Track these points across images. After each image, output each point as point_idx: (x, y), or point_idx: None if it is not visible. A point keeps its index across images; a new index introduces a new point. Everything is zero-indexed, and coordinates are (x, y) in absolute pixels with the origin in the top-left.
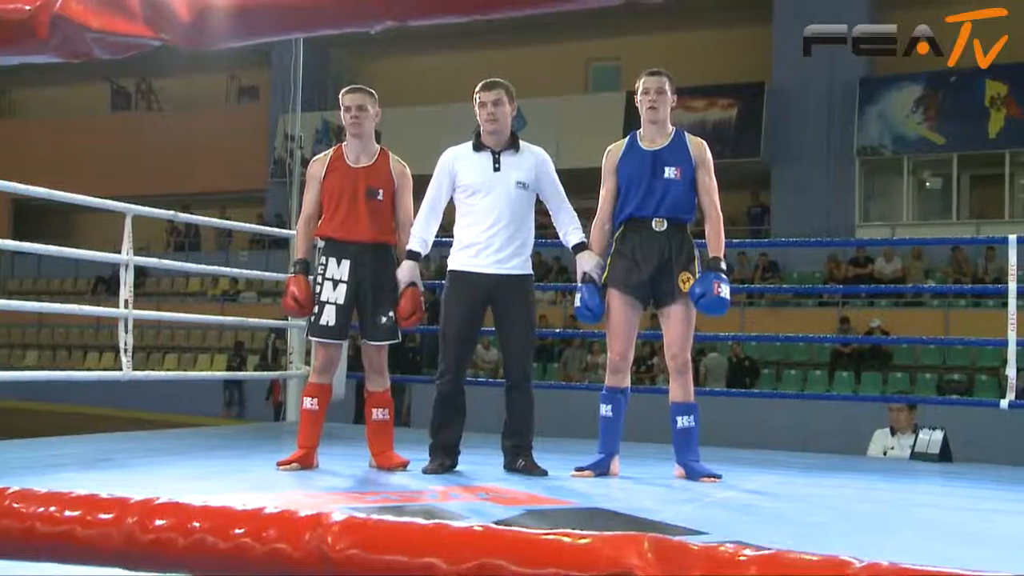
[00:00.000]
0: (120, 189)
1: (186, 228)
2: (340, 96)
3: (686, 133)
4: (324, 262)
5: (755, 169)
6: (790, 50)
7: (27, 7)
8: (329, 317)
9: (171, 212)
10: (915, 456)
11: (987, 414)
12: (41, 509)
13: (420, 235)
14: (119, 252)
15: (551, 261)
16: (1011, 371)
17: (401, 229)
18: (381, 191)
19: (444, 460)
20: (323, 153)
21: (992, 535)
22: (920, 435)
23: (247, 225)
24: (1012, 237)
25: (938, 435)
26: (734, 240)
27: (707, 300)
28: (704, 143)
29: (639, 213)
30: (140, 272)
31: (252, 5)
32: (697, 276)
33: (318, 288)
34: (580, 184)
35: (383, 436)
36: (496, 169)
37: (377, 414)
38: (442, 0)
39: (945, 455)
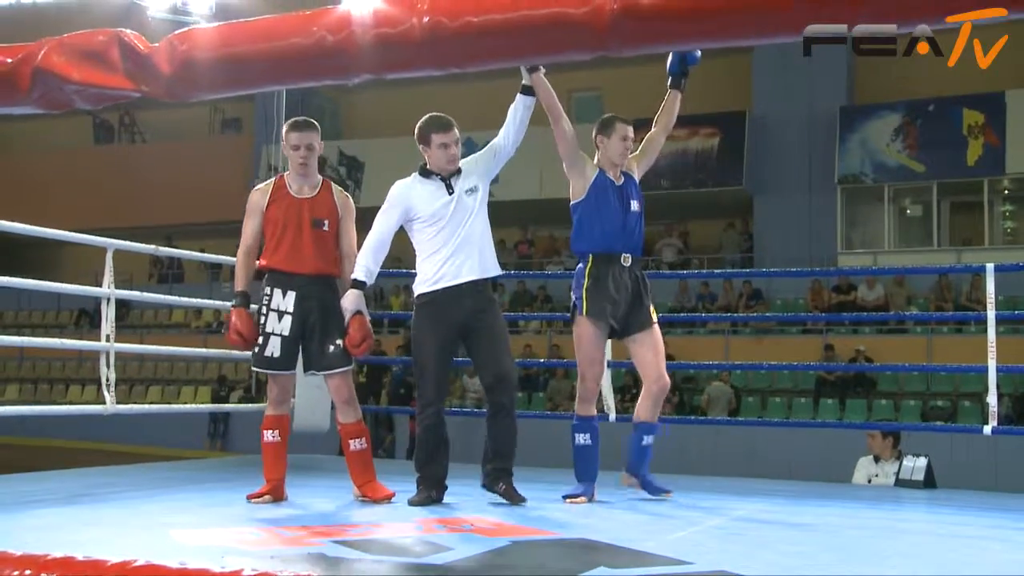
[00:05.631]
0: (104, 221)
1: (169, 260)
2: (285, 132)
3: None
4: (269, 292)
5: (738, 197)
6: (771, 79)
7: (8, 60)
8: (274, 348)
9: (152, 246)
10: (900, 483)
11: (971, 440)
12: (16, 573)
13: (366, 265)
14: (101, 285)
15: (536, 291)
16: (992, 398)
17: (346, 259)
18: (327, 221)
19: (431, 492)
20: (264, 183)
21: (978, 562)
22: (904, 462)
23: (229, 258)
24: (990, 266)
25: (922, 462)
26: (716, 270)
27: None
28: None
29: (612, 249)
30: (123, 304)
31: (232, 59)
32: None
33: (262, 319)
34: (564, 214)
35: (365, 466)
36: (450, 192)
37: (355, 444)
38: (418, 56)
39: (929, 482)
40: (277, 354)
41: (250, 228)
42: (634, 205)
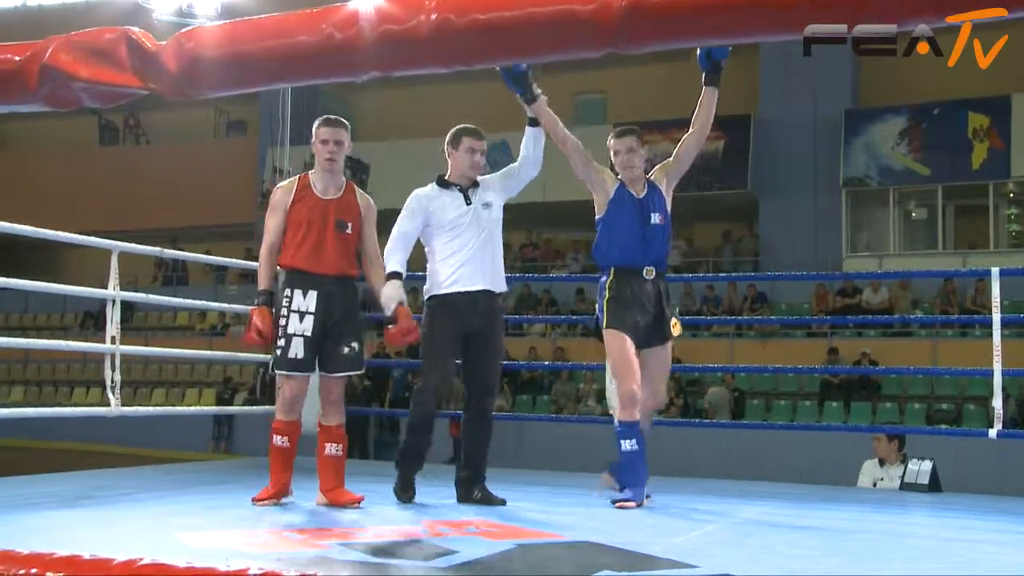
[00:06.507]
0: (108, 223)
1: (174, 262)
2: (315, 128)
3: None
4: (289, 294)
5: (743, 200)
6: (776, 82)
7: (16, 58)
8: (298, 350)
9: (157, 248)
10: (904, 487)
11: (975, 443)
12: (23, 571)
13: (400, 259)
14: (106, 287)
15: (540, 294)
16: (997, 401)
17: (371, 260)
18: (350, 224)
19: (413, 486)
20: (287, 181)
21: (983, 566)
22: (909, 466)
23: (233, 260)
24: (995, 270)
25: (927, 465)
26: (721, 273)
27: None
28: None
29: (631, 263)
30: (128, 306)
31: (240, 56)
32: (679, 320)
33: (283, 320)
34: (568, 217)
35: (336, 472)
36: (468, 203)
37: (331, 449)
38: (425, 53)
39: (934, 485)
40: (301, 355)
41: (273, 225)
42: (655, 218)
